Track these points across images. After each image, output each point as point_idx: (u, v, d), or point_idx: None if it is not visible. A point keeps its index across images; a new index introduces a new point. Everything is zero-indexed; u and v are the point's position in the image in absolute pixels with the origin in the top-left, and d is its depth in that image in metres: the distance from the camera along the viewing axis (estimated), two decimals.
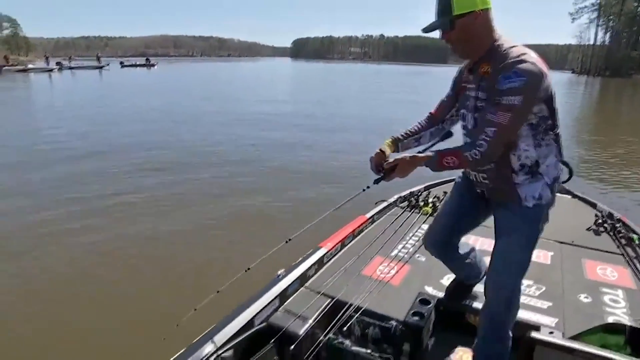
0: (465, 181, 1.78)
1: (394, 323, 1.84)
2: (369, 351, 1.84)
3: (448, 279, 2.14)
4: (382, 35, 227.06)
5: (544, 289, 2.11)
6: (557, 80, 52.92)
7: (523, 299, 1.93)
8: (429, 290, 2.11)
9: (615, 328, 1.41)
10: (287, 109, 16.11)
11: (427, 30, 1.49)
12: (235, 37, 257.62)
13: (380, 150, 1.68)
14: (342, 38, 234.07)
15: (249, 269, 1.63)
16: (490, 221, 1.73)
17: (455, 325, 1.98)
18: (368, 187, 1.63)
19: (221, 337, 1.62)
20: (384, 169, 1.55)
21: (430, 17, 1.48)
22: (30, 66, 43.47)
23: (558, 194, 3.55)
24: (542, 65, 1.36)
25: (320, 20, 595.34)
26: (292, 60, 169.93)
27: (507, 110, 1.34)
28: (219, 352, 1.56)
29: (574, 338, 1.51)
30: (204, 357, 1.50)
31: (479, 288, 1.89)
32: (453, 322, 1.99)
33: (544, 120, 1.45)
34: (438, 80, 36.79)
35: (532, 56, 1.37)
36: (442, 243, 1.87)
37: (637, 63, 60.21)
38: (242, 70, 56.88)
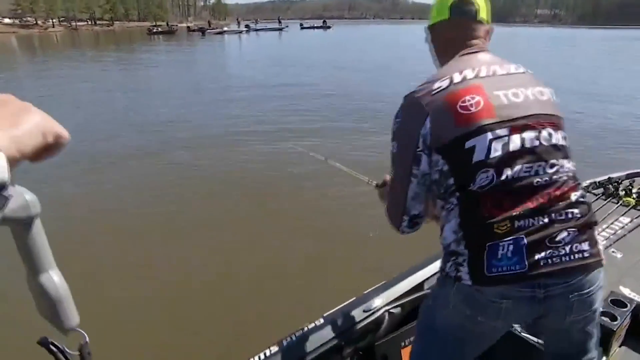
0: None
1: None
2: (541, 342, 1.63)
3: None
4: None
5: None
6: None
7: None
8: (625, 291, 1.86)
9: None
10: None
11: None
12: None
13: None
14: None
15: None
16: None
17: None
18: None
19: (391, 293, 1.70)
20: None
21: None
22: (225, 29, 51.03)
23: None
24: (421, 101, 0.99)
25: None
26: None
27: (392, 162, 1.08)
28: (388, 307, 1.66)
29: None
30: (374, 309, 1.61)
31: None
32: None
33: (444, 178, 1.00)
34: None
35: (424, 87, 1.01)
36: None
37: None
38: (409, 35, 55.83)
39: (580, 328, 1.07)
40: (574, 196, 0.97)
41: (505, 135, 0.95)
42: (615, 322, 1.61)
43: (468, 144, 0.94)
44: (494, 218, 0.94)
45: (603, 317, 1.61)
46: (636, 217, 2.44)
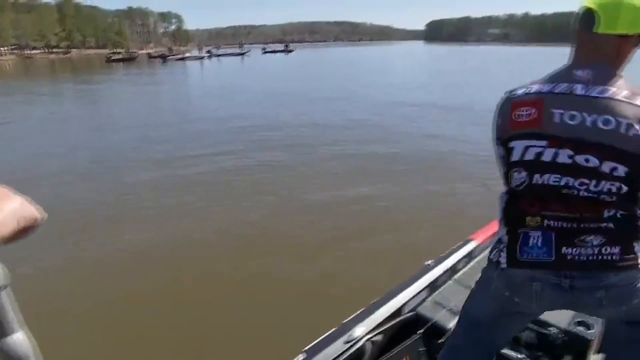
0: None
1: (553, 330, 1.68)
2: (521, 356, 1.71)
3: None
4: (526, 13, 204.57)
5: None
6: None
7: None
8: None
9: None
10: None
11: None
12: (367, 21, 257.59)
13: None
14: (480, 18, 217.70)
15: None
16: None
17: None
18: None
19: (371, 321, 1.64)
20: None
21: None
22: (187, 55, 50.65)
23: None
24: (502, 100, 1.17)
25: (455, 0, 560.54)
26: (425, 43, 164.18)
27: None
28: (369, 335, 1.61)
29: None
30: (354, 339, 1.56)
31: None
32: None
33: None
34: None
35: (515, 89, 1.16)
36: None
37: None
38: (373, 54, 57.07)
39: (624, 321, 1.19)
40: (606, 213, 1.05)
41: (542, 147, 1.07)
42: (590, 331, 1.61)
43: (510, 145, 1.12)
44: (527, 213, 1.10)
45: (578, 327, 1.64)
46: None
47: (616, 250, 1.04)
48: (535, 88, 1.11)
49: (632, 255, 1.04)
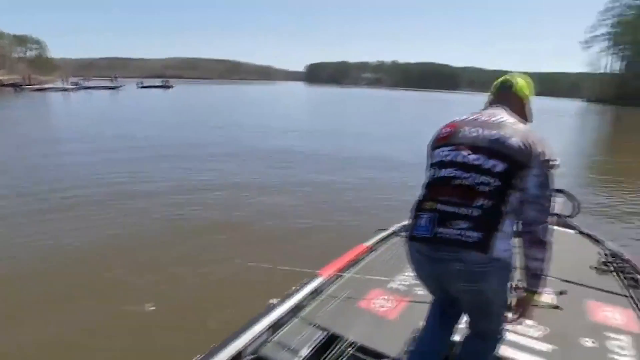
0: None
1: None
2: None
3: None
4: (394, 62, 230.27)
5: (546, 330, 2.02)
6: (570, 109, 52.82)
7: (525, 341, 1.92)
8: None
9: None
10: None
11: None
12: (250, 61, 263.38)
13: None
14: (355, 63, 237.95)
15: None
16: None
17: None
18: None
19: None
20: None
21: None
22: (47, 85, 44.71)
23: (563, 229, 3.41)
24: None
25: (334, 44, 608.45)
26: (305, 84, 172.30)
27: None
28: None
29: None
30: None
31: None
32: None
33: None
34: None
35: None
36: None
37: None
38: (258, 94, 57.79)
39: (469, 300, 1.52)
40: (477, 202, 1.41)
41: (449, 151, 1.53)
42: None
43: (434, 152, 1.60)
44: (428, 199, 1.51)
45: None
46: None
47: (475, 235, 1.37)
48: (457, 118, 1.64)
49: (488, 243, 1.37)
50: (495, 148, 1.46)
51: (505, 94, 1.68)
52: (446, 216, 1.41)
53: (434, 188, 1.52)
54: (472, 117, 1.60)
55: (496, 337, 1.66)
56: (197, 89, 64.81)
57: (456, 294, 1.54)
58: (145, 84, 56.75)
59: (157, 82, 62.29)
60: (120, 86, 50.81)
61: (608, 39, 68.26)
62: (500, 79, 1.73)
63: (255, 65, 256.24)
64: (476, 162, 1.45)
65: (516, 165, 1.42)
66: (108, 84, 51.77)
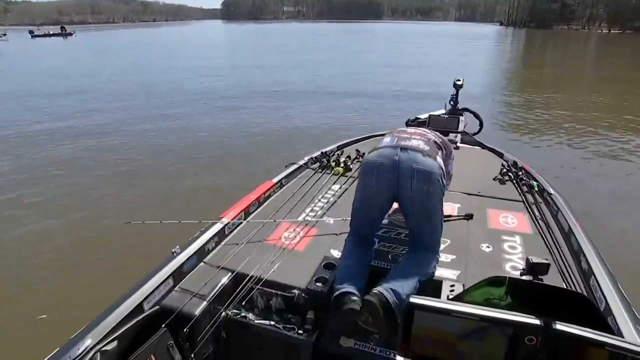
0: None
1: (296, 292, 1.78)
2: (272, 323, 1.78)
3: None
4: None
5: (448, 242, 2.11)
6: (486, 33, 55.08)
7: None
8: (335, 253, 2.01)
9: (498, 280, 1.39)
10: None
11: None
12: (159, 0, 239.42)
13: None
14: None
15: None
16: None
17: None
18: None
19: (102, 328, 1.44)
20: None
21: None
22: None
23: (468, 146, 3.68)
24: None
25: None
26: (223, 22, 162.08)
27: None
28: (99, 345, 1.39)
29: (463, 293, 1.49)
30: (81, 354, 1.33)
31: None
32: None
33: None
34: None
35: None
36: None
37: (557, 15, 63.61)
38: (174, 35, 53.23)
39: (420, 200, 1.73)
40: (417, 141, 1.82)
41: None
42: (326, 285, 1.77)
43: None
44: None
45: (317, 284, 1.77)
46: (343, 184, 2.77)
47: (426, 147, 1.78)
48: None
49: (434, 151, 1.81)
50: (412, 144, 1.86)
51: None
52: (403, 136, 1.86)
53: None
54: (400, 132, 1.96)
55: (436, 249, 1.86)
56: (102, 36, 57.98)
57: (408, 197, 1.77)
58: (36, 33, 49.18)
59: (54, 30, 54.43)
60: (2, 35, 42.55)
61: None
62: None
63: (166, 5, 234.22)
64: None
65: None
66: None
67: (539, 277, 1.43)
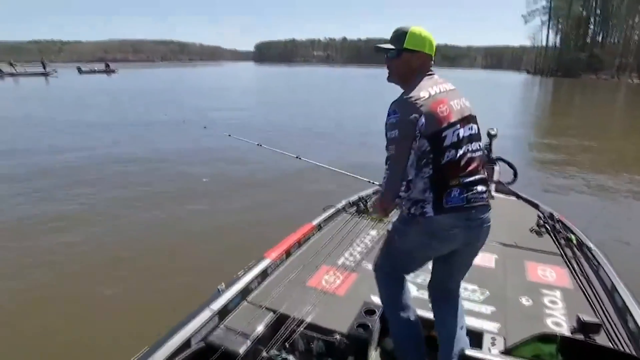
0: None
1: (338, 337, 1.78)
2: None
3: None
4: (344, 38, 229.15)
5: (487, 293, 2.10)
6: (513, 81, 55.29)
7: (469, 305, 2.00)
8: (375, 299, 2.00)
9: (548, 337, 1.38)
10: None
11: (378, 49, 1.69)
12: (196, 42, 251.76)
13: None
14: (305, 41, 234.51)
15: None
16: None
17: None
18: None
19: (156, 358, 1.51)
20: None
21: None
22: None
23: (503, 196, 3.64)
24: (416, 104, 1.52)
25: (282, 23, 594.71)
26: (255, 64, 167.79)
27: (391, 143, 1.56)
28: None
29: (512, 348, 1.49)
30: None
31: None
32: None
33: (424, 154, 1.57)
34: None
35: (412, 96, 1.54)
36: None
37: (584, 64, 63.58)
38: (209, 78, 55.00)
39: (471, 255, 1.70)
40: (480, 165, 1.62)
41: (458, 129, 1.57)
42: (367, 331, 1.76)
43: (444, 134, 1.54)
44: (451, 177, 1.55)
45: (358, 329, 1.76)
46: (381, 229, 2.79)
47: (486, 194, 1.61)
48: (432, 91, 1.57)
49: (489, 196, 1.63)
50: (472, 114, 1.67)
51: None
52: (470, 185, 1.58)
53: (453, 167, 1.56)
54: (441, 87, 1.61)
55: (458, 293, 1.83)
56: (142, 73, 60.96)
57: (466, 253, 1.71)
58: (84, 69, 52.49)
59: (99, 66, 57.81)
60: (53, 71, 44.49)
61: (546, 13, 71.22)
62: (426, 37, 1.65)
63: (203, 46, 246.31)
64: (473, 132, 1.64)
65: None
66: (38, 69, 44.82)
67: (590, 336, 1.41)
